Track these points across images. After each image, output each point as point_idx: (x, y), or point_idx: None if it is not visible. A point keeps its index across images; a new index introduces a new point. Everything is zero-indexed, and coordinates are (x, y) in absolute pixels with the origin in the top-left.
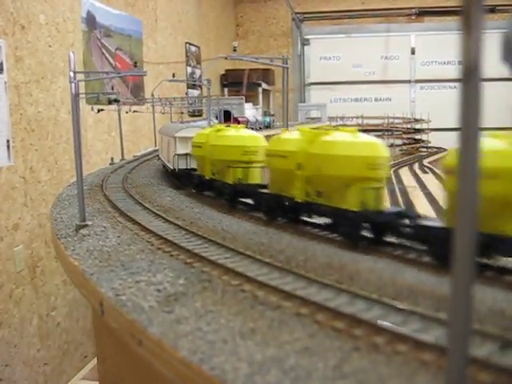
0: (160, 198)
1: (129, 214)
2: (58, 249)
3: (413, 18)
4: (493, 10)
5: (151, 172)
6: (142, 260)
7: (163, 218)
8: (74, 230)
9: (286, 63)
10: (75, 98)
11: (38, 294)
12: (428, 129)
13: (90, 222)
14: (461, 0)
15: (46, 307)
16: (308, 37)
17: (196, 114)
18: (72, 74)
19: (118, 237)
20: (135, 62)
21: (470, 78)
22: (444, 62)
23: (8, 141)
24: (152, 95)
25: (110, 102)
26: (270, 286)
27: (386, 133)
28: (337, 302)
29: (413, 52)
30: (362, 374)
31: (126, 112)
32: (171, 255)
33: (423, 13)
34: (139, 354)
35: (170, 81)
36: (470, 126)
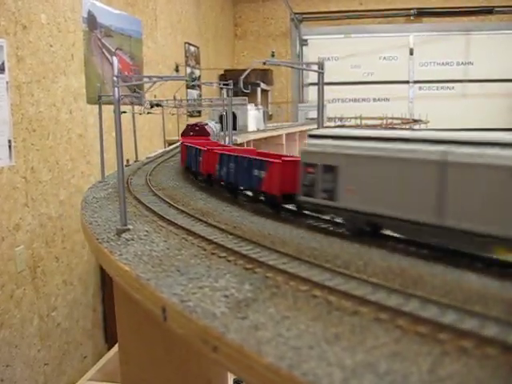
0: (193, 202)
1: (168, 217)
2: (100, 253)
3: (411, 18)
4: (491, 11)
5: (172, 174)
6: (198, 265)
7: (204, 222)
8: (115, 234)
9: (322, 68)
10: (118, 102)
11: (39, 295)
12: (426, 129)
13: (130, 226)
14: None
15: (46, 307)
16: (306, 37)
17: (194, 114)
18: (116, 79)
19: (165, 241)
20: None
21: None
22: (443, 63)
23: (10, 141)
24: (174, 98)
25: (151, 107)
26: (340, 292)
27: None
28: (411, 307)
29: (411, 52)
30: (457, 377)
31: (140, 113)
32: (228, 260)
33: (422, 13)
34: (167, 355)
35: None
36: None
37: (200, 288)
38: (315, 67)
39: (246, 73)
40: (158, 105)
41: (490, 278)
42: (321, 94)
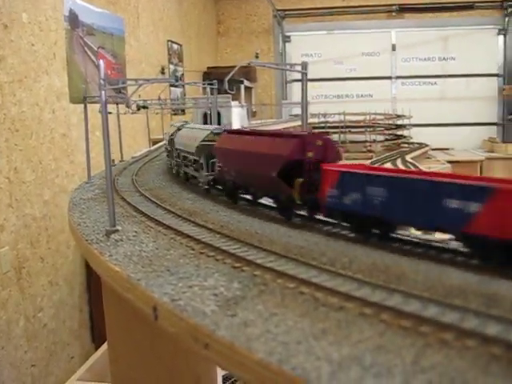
0: (180, 202)
1: (156, 217)
2: (90, 255)
3: (393, 14)
4: (471, 6)
5: (158, 174)
6: (187, 265)
7: (192, 222)
8: (104, 235)
9: (306, 69)
10: (105, 105)
11: (25, 296)
12: (409, 124)
13: (119, 227)
14: None
15: (32, 308)
16: (289, 34)
17: (178, 113)
18: (102, 82)
19: (154, 242)
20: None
21: None
22: (425, 59)
23: None
24: (159, 98)
25: (138, 109)
26: (327, 288)
27: (368, 129)
28: (394, 302)
29: (393, 48)
30: (439, 368)
31: (125, 113)
32: (216, 259)
33: (403, 9)
34: (156, 353)
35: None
36: None
37: (190, 287)
38: (299, 67)
39: (231, 74)
40: (144, 107)
41: (470, 273)
42: (305, 94)
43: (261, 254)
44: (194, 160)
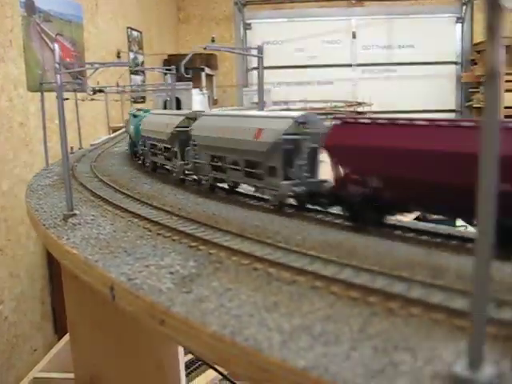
0: (138, 186)
1: (114, 201)
2: (47, 239)
3: (353, 2)
4: None
5: (117, 160)
6: (144, 245)
7: (150, 205)
8: (61, 219)
9: (261, 53)
10: (60, 88)
11: None
12: (370, 112)
13: (77, 212)
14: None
15: None
16: (250, 21)
17: (138, 100)
18: (57, 66)
19: (112, 224)
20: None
21: (492, 81)
22: (384, 46)
23: None
24: (117, 84)
25: (94, 93)
26: (280, 264)
27: (329, 116)
28: (344, 275)
29: (354, 36)
30: (385, 334)
31: (83, 100)
32: (173, 240)
33: None
34: (117, 338)
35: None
36: (491, 119)
37: (146, 266)
38: (255, 52)
39: (187, 58)
40: (100, 90)
41: (418, 247)
42: (261, 77)
43: (217, 233)
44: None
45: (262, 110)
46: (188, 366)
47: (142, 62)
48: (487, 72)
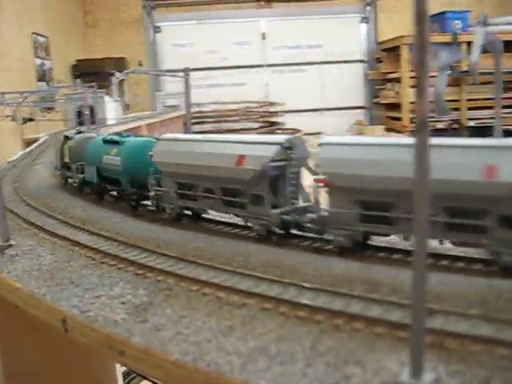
0: (71, 209)
1: (49, 229)
2: None
3: (261, 3)
4: None
5: (41, 179)
6: (90, 275)
7: (87, 231)
8: None
9: (188, 75)
10: None
11: None
12: (282, 111)
13: (13, 242)
14: (414, 68)
15: None
16: (159, 24)
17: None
18: None
19: (52, 254)
20: None
21: (421, 130)
22: (293, 47)
23: None
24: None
25: (24, 122)
26: (227, 287)
27: (243, 117)
28: (290, 295)
29: (263, 37)
30: (334, 350)
31: None
32: (119, 268)
33: None
34: (55, 363)
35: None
36: (422, 164)
37: (97, 297)
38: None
39: None
40: (30, 119)
41: (352, 261)
42: (188, 97)
43: (160, 259)
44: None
45: (190, 133)
46: (125, 376)
47: (50, 68)
48: (417, 123)
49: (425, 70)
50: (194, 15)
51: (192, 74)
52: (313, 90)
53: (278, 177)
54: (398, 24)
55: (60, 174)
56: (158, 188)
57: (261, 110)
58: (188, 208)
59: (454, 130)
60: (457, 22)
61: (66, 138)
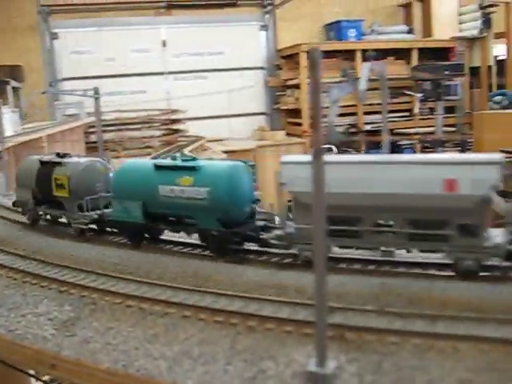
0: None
1: None
2: None
3: (161, 11)
4: (234, 4)
5: None
6: (13, 295)
7: (4, 251)
8: None
9: (98, 93)
10: None
11: None
12: (185, 118)
13: None
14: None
15: None
16: (57, 30)
17: None
18: None
19: None
20: None
21: (317, 157)
22: (194, 54)
23: None
24: None
25: None
26: (149, 298)
27: (145, 125)
28: (207, 302)
29: (164, 44)
30: (251, 349)
31: None
32: (42, 286)
33: (172, 6)
34: None
35: None
36: (318, 184)
37: (23, 316)
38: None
39: None
40: None
41: (263, 269)
42: (98, 114)
43: (82, 275)
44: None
45: (102, 146)
46: None
47: None
48: (313, 151)
49: (318, 109)
50: (94, 22)
51: (92, 81)
52: (215, 96)
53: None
54: (296, 32)
55: (29, 210)
56: (292, 225)
57: (163, 117)
58: (344, 247)
59: (352, 134)
60: (352, 30)
61: (49, 163)
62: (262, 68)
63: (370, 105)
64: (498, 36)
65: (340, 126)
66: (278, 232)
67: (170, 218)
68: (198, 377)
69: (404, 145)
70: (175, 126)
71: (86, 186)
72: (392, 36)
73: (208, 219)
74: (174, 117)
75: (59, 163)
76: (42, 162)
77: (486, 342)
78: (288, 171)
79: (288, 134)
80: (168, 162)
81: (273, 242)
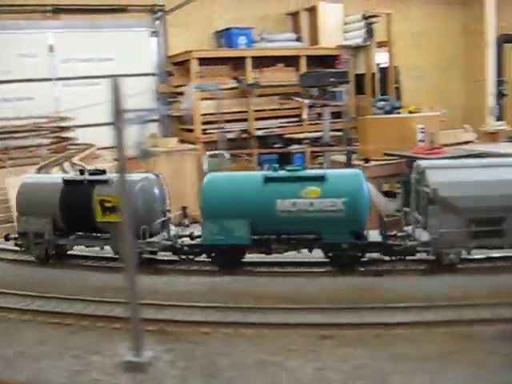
0: None
1: None
2: None
3: (48, 15)
4: (124, 9)
5: None
6: None
7: None
8: None
9: None
10: None
11: None
12: (75, 126)
13: None
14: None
15: None
16: None
17: None
18: None
19: None
20: None
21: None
22: (84, 60)
23: None
24: None
25: None
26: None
27: (32, 133)
28: (51, 306)
29: (51, 49)
30: (81, 346)
31: None
32: None
33: (59, 10)
34: None
35: None
36: (124, 195)
37: None
38: None
39: None
40: None
41: (104, 274)
42: None
43: None
44: None
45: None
46: None
47: None
48: (118, 170)
49: (121, 133)
50: None
51: None
52: (106, 103)
53: None
54: (187, 38)
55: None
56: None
57: (50, 124)
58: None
59: (244, 139)
60: (242, 37)
61: (85, 182)
62: (153, 74)
63: (261, 111)
64: (381, 45)
65: (231, 131)
66: (423, 238)
67: (283, 236)
68: (33, 373)
69: (295, 149)
70: (64, 134)
71: (147, 206)
72: (281, 43)
73: (339, 232)
74: (62, 124)
75: (104, 181)
76: (68, 182)
77: (286, 327)
78: (437, 176)
79: (181, 141)
80: (284, 172)
81: (419, 248)
